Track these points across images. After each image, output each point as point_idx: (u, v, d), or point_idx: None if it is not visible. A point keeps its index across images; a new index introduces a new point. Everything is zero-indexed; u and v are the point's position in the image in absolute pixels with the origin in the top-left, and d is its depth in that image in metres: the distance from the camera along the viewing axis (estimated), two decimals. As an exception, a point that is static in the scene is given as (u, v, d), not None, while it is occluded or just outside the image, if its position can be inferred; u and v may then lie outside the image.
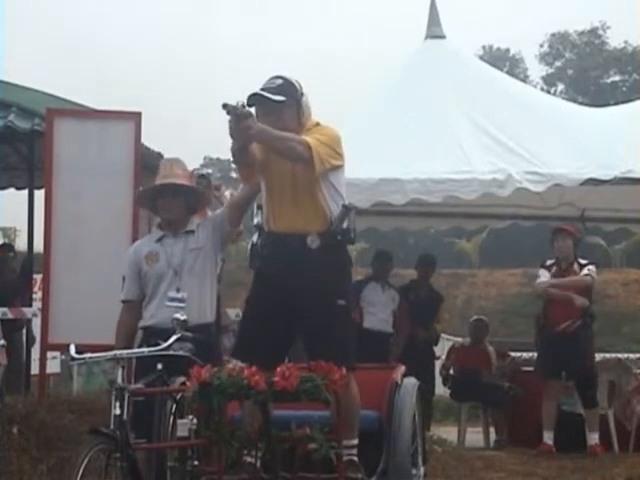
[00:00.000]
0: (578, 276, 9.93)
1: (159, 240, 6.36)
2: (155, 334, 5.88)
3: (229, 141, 5.55)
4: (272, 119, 5.53)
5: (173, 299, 6.16)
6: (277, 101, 5.53)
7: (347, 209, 5.62)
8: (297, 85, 5.66)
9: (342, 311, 5.57)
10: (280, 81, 5.62)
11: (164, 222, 6.42)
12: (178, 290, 6.18)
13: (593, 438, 9.75)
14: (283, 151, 5.51)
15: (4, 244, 14.51)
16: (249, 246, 5.85)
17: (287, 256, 5.58)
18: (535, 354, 10.59)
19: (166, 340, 5.40)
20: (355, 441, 5.56)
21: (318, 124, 5.70)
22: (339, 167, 5.67)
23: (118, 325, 6.35)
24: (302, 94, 5.65)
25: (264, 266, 5.72)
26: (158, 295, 6.24)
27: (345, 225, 5.60)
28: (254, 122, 5.35)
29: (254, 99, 5.52)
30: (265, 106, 5.55)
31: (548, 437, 9.73)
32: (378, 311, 11.07)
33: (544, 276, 10.04)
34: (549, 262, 10.13)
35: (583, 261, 10.11)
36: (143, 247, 6.43)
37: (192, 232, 6.34)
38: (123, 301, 6.43)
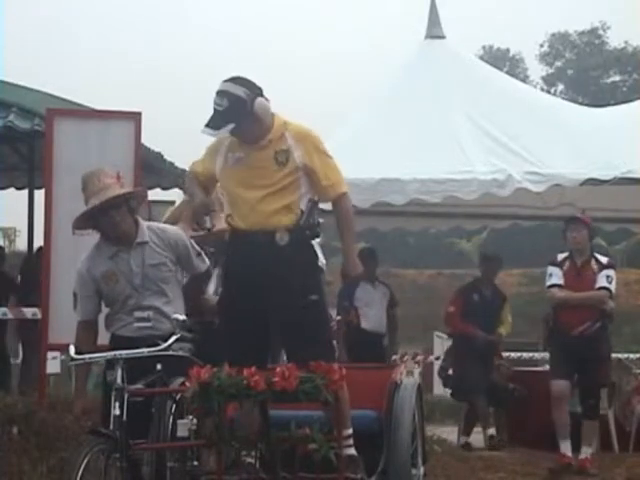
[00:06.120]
0: (594, 292, 8.77)
1: (113, 257, 5.96)
2: (126, 343, 5.67)
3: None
4: (241, 137, 5.45)
5: (140, 319, 5.90)
6: (230, 132, 5.40)
7: (314, 202, 5.52)
8: (244, 95, 5.36)
9: (315, 306, 5.47)
10: (225, 102, 5.36)
11: (113, 237, 5.96)
12: (143, 309, 5.91)
13: (585, 452, 8.75)
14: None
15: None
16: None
17: (255, 254, 5.44)
18: (535, 354, 10.45)
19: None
20: (350, 430, 5.50)
21: (285, 122, 5.51)
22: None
23: (78, 345, 5.84)
24: (253, 100, 5.36)
25: (232, 265, 5.60)
26: (126, 310, 5.96)
27: (313, 219, 5.51)
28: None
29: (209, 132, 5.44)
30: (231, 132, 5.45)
31: (565, 447, 8.71)
32: (374, 310, 11.07)
33: (556, 276, 8.83)
34: (561, 257, 8.93)
35: (602, 259, 8.97)
36: (97, 266, 5.96)
37: (146, 243, 5.95)
38: (80, 322, 6.01)
